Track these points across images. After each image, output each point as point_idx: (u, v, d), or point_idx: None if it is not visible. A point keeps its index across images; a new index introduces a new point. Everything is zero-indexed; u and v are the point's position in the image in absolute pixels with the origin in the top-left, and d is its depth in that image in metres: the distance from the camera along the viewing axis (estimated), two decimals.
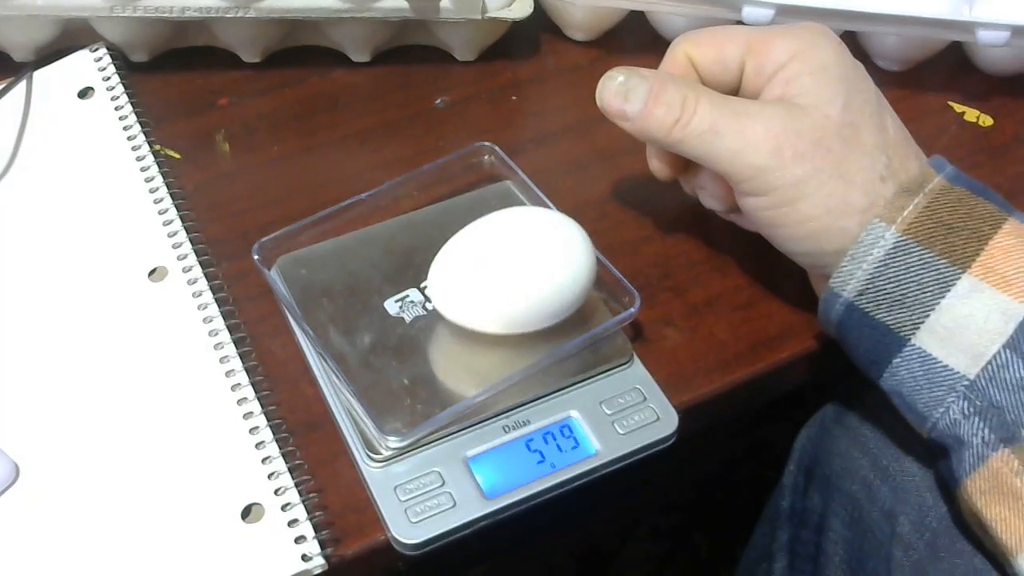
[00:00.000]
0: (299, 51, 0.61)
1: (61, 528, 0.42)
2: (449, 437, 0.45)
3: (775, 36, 0.46)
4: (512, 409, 0.46)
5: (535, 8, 0.59)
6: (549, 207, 0.51)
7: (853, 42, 0.57)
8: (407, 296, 0.48)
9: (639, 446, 0.45)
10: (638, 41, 0.63)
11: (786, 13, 0.56)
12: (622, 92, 0.46)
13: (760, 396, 0.51)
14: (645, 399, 0.46)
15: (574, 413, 0.46)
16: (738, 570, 0.68)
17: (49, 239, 0.51)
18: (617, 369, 0.47)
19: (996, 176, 0.57)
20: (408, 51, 0.62)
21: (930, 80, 0.62)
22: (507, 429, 0.45)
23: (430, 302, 0.47)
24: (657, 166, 0.50)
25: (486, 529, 0.43)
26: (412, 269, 0.49)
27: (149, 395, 0.46)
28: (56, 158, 0.55)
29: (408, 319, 0.47)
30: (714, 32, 0.48)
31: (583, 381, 0.47)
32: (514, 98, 0.61)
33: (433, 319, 0.47)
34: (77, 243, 0.51)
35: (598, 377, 0.47)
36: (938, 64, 0.62)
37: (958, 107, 0.61)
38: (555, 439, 0.45)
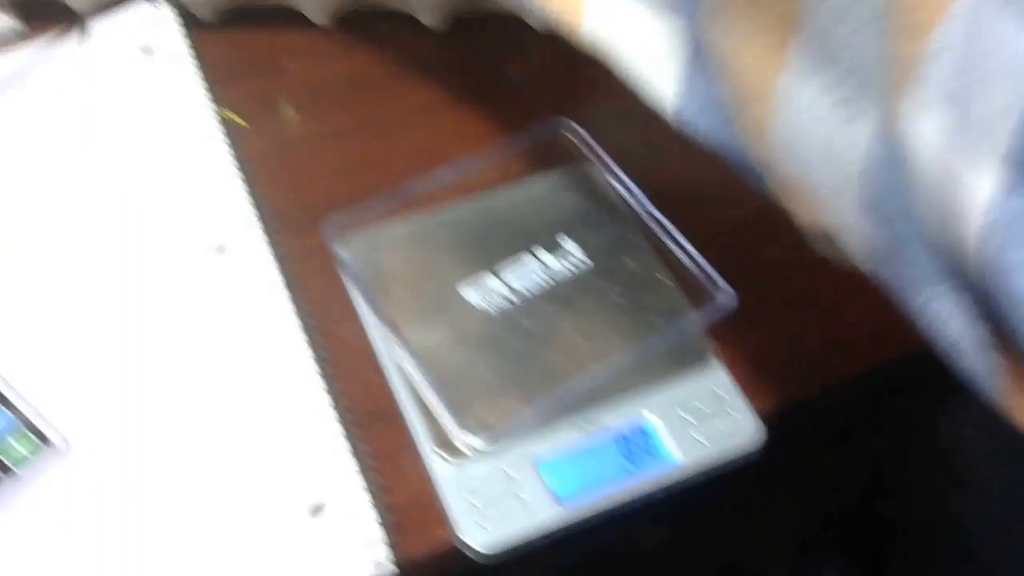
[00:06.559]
0: (370, 15, 0.58)
1: (122, 515, 0.40)
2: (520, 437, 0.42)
3: None
4: (583, 407, 0.43)
5: None
6: (632, 191, 0.48)
7: None
8: (483, 281, 0.45)
9: (723, 457, 0.43)
10: None
11: None
12: None
13: (853, 401, 0.48)
14: (725, 404, 0.44)
15: (648, 415, 0.43)
16: None
17: (112, 207, 0.49)
18: (693, 371, 0.44)
19: None
20: (484, 19, 0.58)
21: None
22: (581, 429, 0.43)
23: (514, 293, 0.45)
24: None
25: (566, 539, 0.41)
26: (486, 253, 0.46)
27: (212, 378, 0.44)
28: (118, 119, 0.52)
29: (493, 312, 0.44)
30: None
31: (656, 381, 0.44)
32: (596, 70, 0.57)
33: (518, 312, 0.45)
34: (139, 212, 0.49)
35: (673, 378, 0.44)
36: None
37: None
38: (630, 443, 0.43)
